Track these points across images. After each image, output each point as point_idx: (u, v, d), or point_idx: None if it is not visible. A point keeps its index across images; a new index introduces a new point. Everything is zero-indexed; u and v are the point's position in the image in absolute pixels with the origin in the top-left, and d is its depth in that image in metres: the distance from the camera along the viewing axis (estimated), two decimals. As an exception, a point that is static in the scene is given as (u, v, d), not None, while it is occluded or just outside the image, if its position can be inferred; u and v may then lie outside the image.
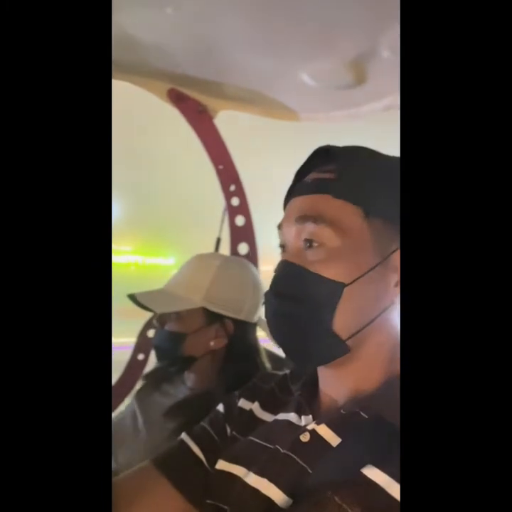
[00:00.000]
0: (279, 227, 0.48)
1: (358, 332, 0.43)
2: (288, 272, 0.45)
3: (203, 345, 0.84)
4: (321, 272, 0.43)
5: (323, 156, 0.47)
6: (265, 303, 0.47)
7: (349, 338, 0.43)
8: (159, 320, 0.87)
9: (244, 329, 0.86)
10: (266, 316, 0.48)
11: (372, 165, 0.46)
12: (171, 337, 0.84)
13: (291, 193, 0.48)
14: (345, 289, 0.42)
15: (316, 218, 0.44)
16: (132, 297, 0.85)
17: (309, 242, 0.44)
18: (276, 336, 0.47)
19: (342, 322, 0.43)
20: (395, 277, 0.44)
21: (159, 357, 0.89)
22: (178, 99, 1.05)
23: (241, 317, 0.85)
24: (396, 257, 0.44)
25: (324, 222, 0.43)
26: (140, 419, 0.88)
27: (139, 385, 0.99)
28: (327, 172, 0.46)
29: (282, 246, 0.48)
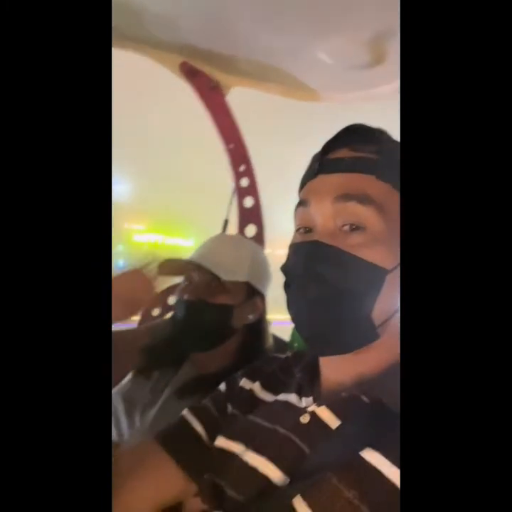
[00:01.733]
0: (304, 204, 0.45)
1: (388, 319, 0.42)
2: (324, 255, 0.42)
3: (243, 318, 0.86)
4: (365, 256, 0.41)
5: (358, 134, 0.45)
6: (290, 286, 0.45)
7: (381, 324, 0.42)
8: (195, 291, 0.84)
9: (263, 304, 0.90)
10: (290, 300, 0.45)
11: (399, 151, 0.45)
12: (220, 310, 0.84)
13: (318, 170, 0.45)
14: (387, 276, 0.41)
15: (361, 199, 0.41)
16: (177, 261, 0.84)
17: (352, 224, 0.42)
18: (302, 321, 0.45)
19: (379, 309, 0.42)
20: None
21: (194, 332, 0.85)
22: (190, 73, 1.03)
23: (265, 293, 0.90)
24: None
25: (371, 204, 0.41)
26: (137, 402, 0.87)
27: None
28: (367, 152, 0.43)
29: (304, 227, 0.45)
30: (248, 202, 1.18)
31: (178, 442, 0.54)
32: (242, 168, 1.14)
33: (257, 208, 1.18)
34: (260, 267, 0.91)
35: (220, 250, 0.90)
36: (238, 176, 1.15)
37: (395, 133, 0.47)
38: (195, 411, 0.57)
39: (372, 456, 0.37)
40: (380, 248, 0.41)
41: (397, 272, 0.41)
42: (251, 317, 0.86)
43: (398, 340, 0.44)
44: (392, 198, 0.42)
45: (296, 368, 0.51)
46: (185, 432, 0.55)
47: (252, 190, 1.15)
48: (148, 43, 0.98)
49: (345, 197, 0.42)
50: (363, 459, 0.37)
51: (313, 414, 0.44)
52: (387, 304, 0.42)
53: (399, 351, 0.44)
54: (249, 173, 1.15)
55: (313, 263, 0.42)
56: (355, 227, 0.41)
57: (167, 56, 1.01)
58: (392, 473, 0.36)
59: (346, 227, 0.42)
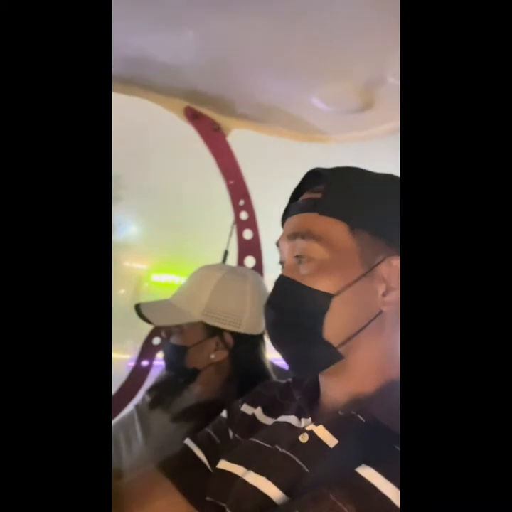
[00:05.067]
0: (278, 245, 0.52)
1: (349, 339, 0.46)
2: (282, 286, 0.49)
3: (204, 358, 0.85)
4: (311, 284, 0.46)
5: (313, 178, 0.51)
6: (264, 315, 0.51)
7: (341, 344, 0.46)
8: (166, 332, 0.89)
9: (246, 341, 0.86)
10: (266, 327, 0.51)
11: (358, 182, 0.50)
12: (175, 350, 0.86)
13: (286, 214, 0.53)
14: (334, 299, 0.45)
15: (304, 235, 0.47)
16: (137, 307, 0.86)
17: (300, 257, 0.48)
18: (276, 346, 0.50)
19: (333, 330, 0.46)
20: (383, 287, 0.47)
21: (168, 368, 0.91)
22: (194, 116, 1.10)
23: (241, 330, 0.85)
24: (383, 268, 0.46)
25: (312, 238, 0.47)
26: (139, 432, 0.89)
27: (141, 399, 0.99)
28: (316, 192, 0.50)
29: (281, 262, 0.52)
30: (247, 234, 1.22)
31: (181, 471, 0.55)
32: (241, 202, 1.20)
33: (255, 240, 1.22)
34: (231, 302, 0.85)
35: (182, 290, 0.89)
36: (238, 209, 1.20)
37: (383, 169, 0.52)
38: (197, 439, 0.58)
39: (368, 473, 0.39)
40: (324, 275, 0.46)
41: (345, 295, 0.45)
42: (213, 357, 0.84)
43: (385, 359, 0.47)
44: (333, 228, 0.47)
45: (296, 391, 0.53)
46: (188, 460, 0.56)
47: (251, 223, 1.20)
48: (155, 89, 1.05)
49: (294, 235, 0.49)
50: (359, 475, 0.39)
51: (311, 433, 0.46)
52: (341, 324, 0.46)
53: (388, 370, 0.47)
54: (248, 207, 1.20)
55: (275, 294, 0.50)
56: (303, 260, 0.47)
57: (173, 101, 1.08)
58: (387, 488, 0.37)
59: (297, 260, 0.48)
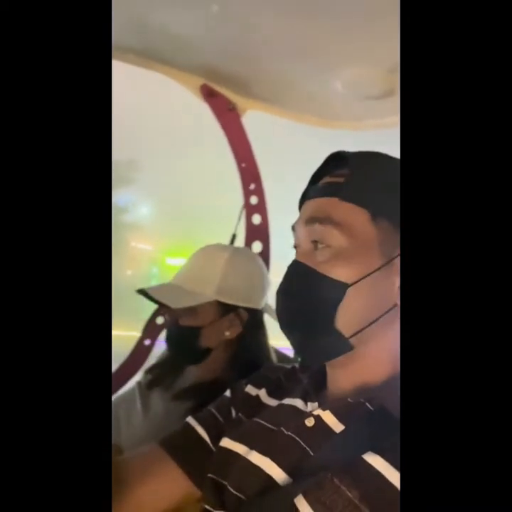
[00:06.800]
0: (293, 228, 0.51)
1: (361, 330, 0.45)
2: (296, 272, 0.48)
3: (218, 336, 0.85)
4: (327, 271, 0.45)
5: (336, 161, 0.50)
6: (276, 300, 0.50)
7: (352, 336, 0.45)
8: (171, 314, 0.88)
9: (254, 316, 0.88)
10: (276, 312, 0.50)
11: (382, 169, 0.48)
12: (187, 331, 0.85)
13: (305, 197, 0.51)
14: (349, 289, 0.44)
15: (322, 220, 0.46)
16: (143, 292, 0.85)
17: (316, 243, 0.46)
18: (285, 331, 0.49)
19: (346, 321, 0.45)
20: (399, 280, 0.45)
21: (174, 350, 0.91)
22: (209, 94, 1.08)
23: (251, 305, 0.87)
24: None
25: (331, 224, 0.45)
26: (140, 409, 0.89)
27: (141, 377, 1.00)
28: (338, 176, 0.48)
29: (296, 246, 0.50)
30: (256, 219, 1.21)
31: (182, 448, 0.56)
32: (252, 186, 1.18)
33: (264, 226, 1.21)
34: (238, 279, 0.87)
35: (189, 272, 0.89)
36: (248, 193, 1.18)
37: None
38: (199, 417, 0.58)
39: (374, 460, 0.39)
40: (341, 263, 0.45)
41: (361, 285, 0.44)
42: (228, 334, 0.85)
43: (395, 351, 0.47)
44: (354, 215, 0.46)
45: (303, 375, 0.53)
46: (190, 438, 0.56)
47: (260, 208, 1.19)
48: (172, 64, 1.03)
49: (312, 219, 0.47)
50: (364, 462, 0.39)
51: (318, 417, 0.46)
52: (354, 315, 0.45)
53: (397, 361, 0.46)
54: (258, 191, 1.19)
55: (288, 279, 0.48)
56: (320, 246, 0.46)
57: (189, 77, 1.06)
58: (393, 475, 0.37)
59: (313, 246, 0.47)
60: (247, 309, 0.87)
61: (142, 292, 0.86)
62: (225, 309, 0.86)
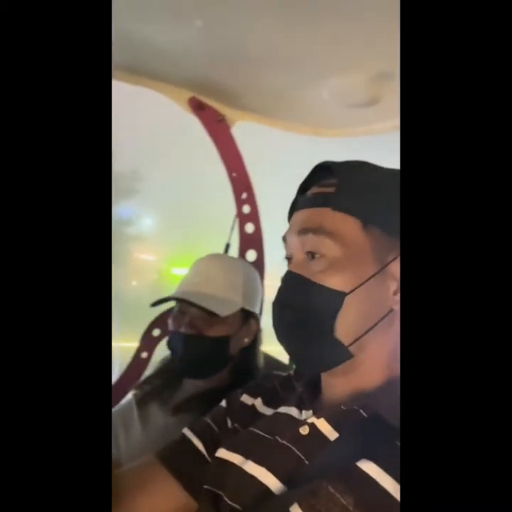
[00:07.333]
0: (284, 239, 0.51)
1: (359, 338, 0.45)
2: (292, 283, 0.48)
3: (240, 344, 0.85)
4: (322, 281, 0.45)
5: (323, 171, 0.50)
6: (272, 312, 0.50)
7: (351, 344, 0.45)
8: (191, 325, 0.83)
9: (258, 323, 0.90)
10: (273, 325, 0.50)
11: (370, 178, 0.49)
12: (216, 342, 0.82)
13: (294, 207, 0.51)
14: (347, 298, 0.45)
15: (316, 230, 0.46)
16: (173, 298, 0.83)
17: (311, 254, 0.47)
18: (283, 342, 0.49)
19: (344, 329, 0.45)
20: (394, 285, 0.46)
21: (194, 362, 0.85)
22: (198, 107, 1.09)
23: (257, 311, 0.89)
24: (395, 266, 0.46)
25: (324, 234, 0.46)
26: (137, 421, 0.89)
27: (137, 390, 0.97)
28: (327, 186, 0.48)
29: (288, 258, 0.51)
30: (249, 228, 1.22)
31: (178, 459, 0.56)
32: (244, 195, 1.19)
33: (257, 234, 1.22)
34: (252, 286, 0.89)
35: (212, 280, 0.86)
36: (240, 202, 1.19)
37: (388, 165, 0.52)
38: (195, 428, 0.58)
39: (368, 467, 0.39)
40: (336, 273, 0.45)
41: (357, 293, 0.45)
42: (246, 340, 0.86)
43: (390, 357, 0.47)
44: (346, 224, 0.46)
45: (298, 383, 0.53)
46: (186, 449, 0.56)
47: (253, 216, 1.20)
48: (159, 78, 1.04)
49: (304, 230, 0.47)
50: (359, 469, 0.39)
51: (312, 426, 0.46)
52: (353, 323, 0.45)
53: (392, 367, 0.47)
54: (251, 200, 1.19)
55: (285, 291, 0.48)
56: (315, 256, 0.46)
57: (177, 91, 1.07)
58: (387, 482, 0.37)
59: (308, 256, 0.47)
60: (256, 317, 0.89)
61: (168, 299, 0.84)
62: (245, 316, 0.86)
